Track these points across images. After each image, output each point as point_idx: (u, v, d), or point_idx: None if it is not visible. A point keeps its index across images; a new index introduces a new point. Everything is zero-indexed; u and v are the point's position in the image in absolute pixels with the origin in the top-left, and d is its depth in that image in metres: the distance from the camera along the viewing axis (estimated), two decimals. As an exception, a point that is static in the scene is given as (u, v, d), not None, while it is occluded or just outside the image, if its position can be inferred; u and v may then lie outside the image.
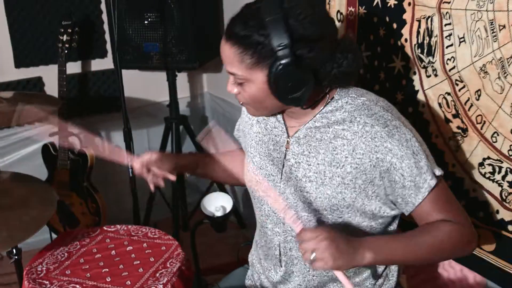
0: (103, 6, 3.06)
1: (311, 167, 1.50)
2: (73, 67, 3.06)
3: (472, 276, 1.89)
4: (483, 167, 1.69)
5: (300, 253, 1.39)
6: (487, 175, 1.69)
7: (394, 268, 1.64)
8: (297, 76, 1.37)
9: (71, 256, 1.95)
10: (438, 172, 1.45)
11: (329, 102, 1.50)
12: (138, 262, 1.91)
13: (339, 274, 1.38)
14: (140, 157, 1.72)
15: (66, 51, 2.79)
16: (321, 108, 1.51)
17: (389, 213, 1.51)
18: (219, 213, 2.28)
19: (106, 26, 3.08)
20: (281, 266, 1.64)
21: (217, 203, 2.30)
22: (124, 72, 3.16)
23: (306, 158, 1.51)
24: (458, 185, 1.77)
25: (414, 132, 1.46)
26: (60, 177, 2.91)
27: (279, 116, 1.60)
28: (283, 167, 1.56)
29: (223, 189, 3.07)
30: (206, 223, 2.39)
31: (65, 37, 2.79)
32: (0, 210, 1.78)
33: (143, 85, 3.24)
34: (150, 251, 1.96)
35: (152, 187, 1.76)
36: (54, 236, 2.88)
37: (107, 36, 3.10)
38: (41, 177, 2.92)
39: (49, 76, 3.02)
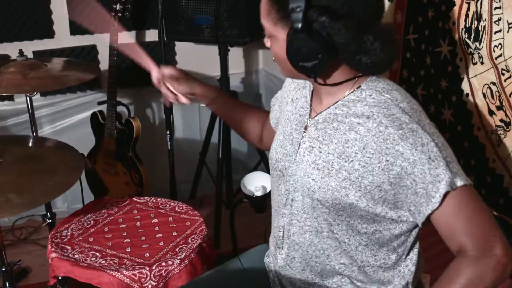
0: (159, -23, 3.04)
1: (321, 154, 1.42)
2: (127, 37, 3.06)
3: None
4: (525, 165, 1.56)
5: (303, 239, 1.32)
6: (529, 174, 1.56)
7: (408, 273, 1.53)
8: (308, 45, 1.30)
9: (97, 224, 1.97)
10: (460, 182, 1.30)
11: (355, 90, 1.42)
12: (161, 235, 1.90)
13: None
14: (161, 69, 1.69)
15: (118, 20, 2.79)
16: (346, 93, 1.42)
17: (396, 218, 1.40)
18: (258, 193, 2.23)
19: (162, -3, 3.07)
20: (282, 249, 1.58)
21: (258, 183, 2.25)
22: (178, 44, 3.20)
23: (319, 144, 1.43)
24: (497, 182, 1.65)
25: (436, 137, 1.33)
26: (107, 145, 2.95)
27: (308, 96, 1.53)
28: (298, 148, 1.49)
29: (267, 170, 3.01)
30: (246, 202, 2.37)
31: (118, 6, 2.80)
32: (29, 173, 1.80)
33: (197, 58, 3.22)
34: (174, 225, 1.95)
35: (163, 100, 1.78)
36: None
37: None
38: (89, 145, 3.00)
39: (103, 44, 3.04)
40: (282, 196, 1.55)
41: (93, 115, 2.99)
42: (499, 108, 1.61)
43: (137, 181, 2.95)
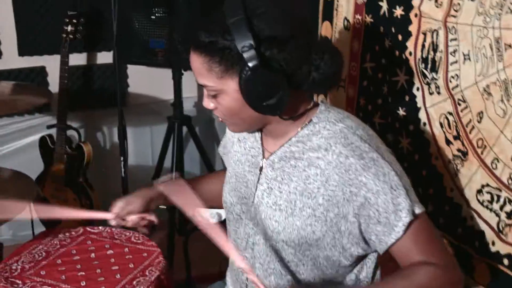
0: (112, -1, 2.99)
1: (282, 194, 1.39)
2: (78, 59, 3.00)
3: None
4: (481, 194, 1.59)
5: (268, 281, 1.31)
6: (485, 203, 1.58)
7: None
8: (269, 80, 1.26)
9: (49, 256, 1.89)
10: (418, 209, 1.32)
11: (307, 125, 1.40)
12: (117, 267, 1.83)
13: None
14: (109, 211, 1.64)
15: (69, 42, 2.73)
16: (298, 130, 1.41)
17: (360, 253, 1.40)
18: (214, 220, 2.21)
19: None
20: None
21: (212, 210, 2.22)
22: (131, 67, 3.15)
23: (278, 184, 1.41)
24: (456, 212, 1.67)
25: (394, 165, 1.34)
26: (56, 171, 2.85)
27: (258, 136, 1.50)
28: (256, 190, 1.46)
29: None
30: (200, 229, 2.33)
31: (69, 28, 2.73)
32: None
33: (149, 81, 3.17)
34: (130, 256, 1.89)
35: (145, 230, 1.71)
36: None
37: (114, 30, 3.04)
38: (37, 170, 2.90)
39: (52, 66, 2.96)
40: (242, 239, 1.52)
41: (42, 139, 2.89)
42: (456, 138, 1.64)
43: (88, 208, 2.87)
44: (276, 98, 1.28)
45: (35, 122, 3.01)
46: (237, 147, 1.57)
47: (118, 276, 1.79)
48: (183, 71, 2.88)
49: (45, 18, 2.90)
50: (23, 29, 2.90)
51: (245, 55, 1.23)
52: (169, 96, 3.10)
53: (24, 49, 2.93)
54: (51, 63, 2.97)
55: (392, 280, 1.32)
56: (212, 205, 1.82)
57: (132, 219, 1.65)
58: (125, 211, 1.64)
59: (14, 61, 2.93)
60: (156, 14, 2.70)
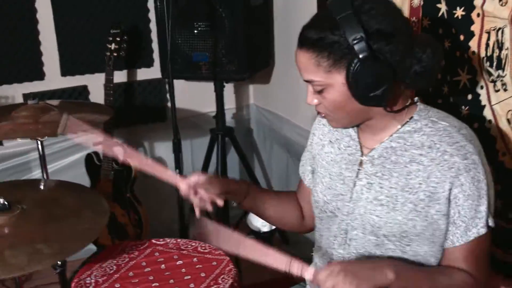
0: (151, 15, 3.04)
1: (383, 190, 1.43)
2: (119, 76, 3.04)
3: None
4: (555, 190, 1.60)
5: None
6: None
7: None
8: (377, 71, 1.31)
9: (120, 269, 1.91)
10: (491, 222, 1.39)
11: (408, 122, 1.44)
12: (189, 277, 1.85)
13: None
14: (187, 178, 1.56)
15: (113, 60, 2.77)
16: (399, 127, 1.44)
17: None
18: (265, 228, 2.23)
19: (153, 35, 3.06)
20: None
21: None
22: (170, 81, 3.18)
23: (379, 180, 1.44)
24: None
25: (488, 174, 1.40)
26: (103, 187, 2.88)
27: (354, 134, 1.54)
28: (354, 186, 1.49)
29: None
30: (251, 238, 2.34)
31: (113, 46, 2.78)
32: (52, 220, 1.74)
33: (189, 95, 3.21)
34: (200, 266, 1.91)
35: (197, 212, 1.57)
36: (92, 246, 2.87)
37: (153, 45, 3.09)
38: (84, 187, 2.92)
39: (94, 85, 3.02)
40: (337, 236, 1.54)
41: (88, 157, 2.93)
42: (526, 133, 1.65)
43: (136, 223, 2.89)
44: (382, 89, 1.32)
45: (81, 139, 3.03)
46: (328, 149, 1.60)
47: (192, 286, 1.81)
48: (224, 83, 2.92)
49: (86, 38, 2.96)
50: (65, 50, 2.95)
51: (356, 47, 1.29)
52: (207, 108, 3.15)
53: (66, 69, 2.98)
54: (93, 82, 3.03)
55: (437, 271, 1.40)
56: (279, 225, 1.84)
57: (202, 195, 1.55)
58: (202, 186, 1.55)
59: (57, 81, 2.98)
60: (199, 28, 2.74)
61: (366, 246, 1.47)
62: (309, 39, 1.35)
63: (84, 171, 2.94)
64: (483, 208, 1.36)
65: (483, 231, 1.37)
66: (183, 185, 1.55)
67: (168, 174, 1.59)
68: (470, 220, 1.36)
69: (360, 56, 1.29)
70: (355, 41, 1.29)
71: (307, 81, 1.40)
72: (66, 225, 1.72)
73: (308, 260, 1.86)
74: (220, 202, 1.56)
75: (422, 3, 1.91)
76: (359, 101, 1.35)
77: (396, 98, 1.42)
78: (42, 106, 2.18)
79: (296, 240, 3.11)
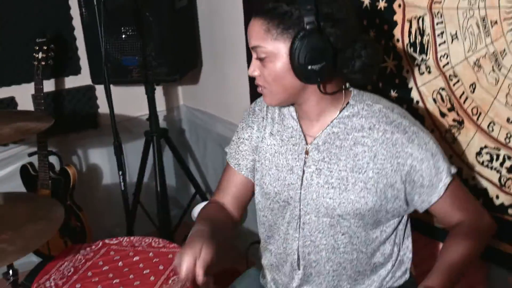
0: (74, 23, 3.04)
1: (333, 173, 1.54)
2: (47, 85, 3.01)
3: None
4: (480, 155, 1.78)
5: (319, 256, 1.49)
6: (485, 163, 1.78)
7: (407, 260, 1.70)
8: (319, 46, 1.41)
9: (78, 271, 1.93)
10: (453, 170, 1.55)
11: (345, 107, 1.56)
12: (148, 271, 1.91)
13: None
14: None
15: (42, 69, 2.76)
16: (337, 113, 1.56)
17: (400, 214, 1.59)
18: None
19: (78, 43, 3.07)
20: (299, 269, 1.67)
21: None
22: (98, 87, 3.19)
23: (327, 164, 1.55)
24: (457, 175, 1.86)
25: (430, 134, 1.55)
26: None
27: (296, 125, 1.63)
28: (303, 174, 1.60)
29: (206, 199, 3.08)
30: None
31: (40, 55, 2.76)
32: (9, 228, 1.75)
33: (119, 100, 3.21)
34: (157, 259, 1.97)
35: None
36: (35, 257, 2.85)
37: (79, 53, 3.09)
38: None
39: (21, 95, 2.99)
40: (291, 222, 1.64)
41: (23, 168, 2.89)
42: (451, 109, 1.83)
43: (79, 229, 2.88)
44: (320, 65, 1.43)
45: (13, 151, 2.99)
46: (270, 141, 1.67)
47: (152, 278, 1.87)
48: (155, 86, 2.97)
49: (10, 49, 2.91)
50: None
51: (306, 18, 1.39)
52: (139, 112, 3.18)
53: (-9, 81, 2.92)
54: (20, 93, 2.99)
55: (446, 263, 1.50)
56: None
57: (202, 278, 1.42)
58: (199, 265, 1.42)
59: (-19, 93, 2.92)
60: (127, 33, 2.78)
61: (319, 228, 1.58)
62: (264, 8, 1.45)
63: (19, 182, 2.90)
64: (441, 163, 1.51)
65: (448, 180, 1.51)
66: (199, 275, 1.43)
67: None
68: (434, 178, 1.50)
69: (307, 27, 1.39)
70: (305, 12, 1.39)
71: (253, 47, 1.48)
72: (24, 229, 1.74)
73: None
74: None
75: (346, -3, 2.06)
76: (296, 73, 1.44)
77: (331, 81, 1.53)
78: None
79: (237, 232, 3.21)
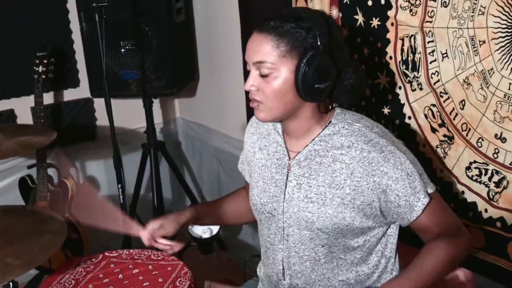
0: (74, 36, 3.09)
1: (312, 188, 1.59)
2: (46, 98, 3.05)
3: (462, 273, 2.03)
4: (470, 170, 1.84)
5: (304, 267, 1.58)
6: (474, 178, 1.83)
7: (396, 271, 1.74)
8: (327, 66, 1.49)
9: (79, 283, 1.96)
10: (430, 189, 1.58)
11: (327, 126, 1.62)
12: (147, 283, 1.94)
13: None
14: (145, 229, 1.81)
15: (42, 82, 2.80)
16: (320, 131, 1.62)
17: (383, 227, 1.64)
18: (206, 235, 2.35)
19: (77, 56, 3.11)
20: (285, 280, 1.72)
21: (204, 226, 2.37)
22: (96, 100, 3.24)
23: (307, 179, 1.61)
24: (447, 189, 1.91)
25: (408, 154, 1.58)
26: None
27: (280, 140, 1.70)
28: (285, 187, 1.65)
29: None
30: (194, 245, 2.45)
31: (41, 68, 2.80)
32: (13, 242, 1.79)
33: (117, 112, 3.26)
34: (156, 272, 2.00)
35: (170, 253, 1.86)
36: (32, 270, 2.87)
37: (79, 66, 3.14)
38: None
39: (21, 108, 3.03)
40: (276, 234, 1.70)
41: (22, 180, 2.93)
42: (441, 125, 1.89)
43: (77, 241, 2.92)
44: (325, 84, 1.50)
45: (12, 163, 3.03)
46: (259, 155, 1.76)
47: (152, 290, 1.90)
48: (153, 99, 3.02)
49: (10, 62, 2.96)
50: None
51: (320, 38, 1.47)
52: (137, 124, 3.23)
53: (-11, 95, 2.97)
54: (19, 105, 3.03)
55: (420, 262, 1.55)
56: (240, 221, 2.00)
57: (162, 242, 1.82)
58: (159, 233, 1.81)
59: (-18, 106, 2.96)
60: (126, 47, 2.83)
61: (302, 240, 1.63)
62: (273, 25, 1.49)
63: (17, 194, 2.94)
64: (417, 183, 1.54)
65: (426, 200, 1.54)
66: (144, 236, 1.81)
67: (129, 226, 1.84)
68: (411, 197, 1.53)
69: (321, 48, 1.47)
70: (320, 33, 1.47)
71: (257, 63, 1.52)
72: (29, 242, 1.77)
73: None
74: (178, 247, 1.84)
75: (340, 15, 2.12)
76: (302, 90, 1.50)
77: (324, 101, 1.60)
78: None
79: (233, 245, 3.26)
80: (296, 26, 1.48)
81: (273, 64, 1.50)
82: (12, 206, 2.26)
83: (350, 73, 1.55)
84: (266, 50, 1.50)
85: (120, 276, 1.99)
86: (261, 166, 1.74)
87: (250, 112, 2.66)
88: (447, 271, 1.63)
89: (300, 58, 1.48)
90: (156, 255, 2.11)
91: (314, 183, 1.59)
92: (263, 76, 1.52)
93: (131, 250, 2.14)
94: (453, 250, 1.57)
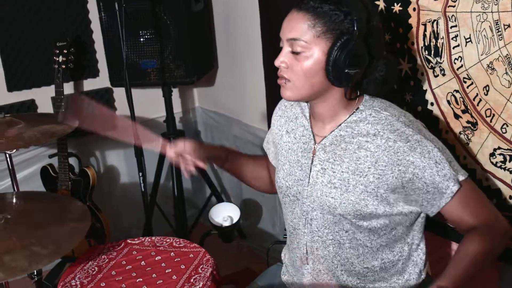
0: (93, 26, 3.10)
1: (335, 174, 1.59)
2: (66, 88, 3.06)
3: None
4: (494, 157, 1.82)
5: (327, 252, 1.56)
6: (499, 164, 1.82)
7: (421, 262, 1.73)
8: (360, 52, 1.48)
9: (102, 270, 1.99)
10: (462, 177, 1.56)
11: (354, 112, 1.61)
12: (170, 270, 1.96)
13: None
14: (174, 146, 1.75)
15: (62, 72, 2.81)
16: (347, 116, 1.61)
17: (408, 213, 1.61)
18: (227, 223, 2.36)
19: (96, 46, 3.13)
20: (308, 264, 1.72)
21: (224, 214, 2.38)
22: (115, 89, 3.25)
23: (331, 165, 1.60)
24: (471, 176, 1.88)
25: (436, 142, 1.56)
26: (62, 197, 2.92)
27: (307, 125, 1.70)
28: (310, 171, 1.65)
29: (221, 201, 3.13)
30: (214, 233, 2.47)
31: (61, 58, 2.82)
32: (38, 227, 1.81)
33: (136, 101, 3.27)
34: (179, 259, 2.02)
35: (186, 174, 1.78)
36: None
37: (98, 56, 3.15)
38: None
39: (41, 98, 3.05)
40: (300, 217, 1.70)
41: (43, 169, 2.95)
42: (464, 111, 1.87)
43: (98, 230, 2.94)
44: (355, 70, 1.49)
45: (34, 152, 3.06)
46: (286, 138, 1.76)
47: (174, 277, 1.92)
48: (172, 88, 3.03)
49: (30, 52, 2.98)
50: (10, 66, 2.96)
51: (357, 24, 1.46)
52: (156, 114, 3.24)
53: (12, 85, 2.98)
54: (40, 95, 3.05)
55: (459, 263, 1.52)
56: (253, 185, 2.01)
57: (187, 159, 1.74)
58: (188, 153, 1.74)
59: (4, 96, 2.98)
60: (145, 36, 2.83)
61: (326, 224, 1.63)
62: (312, 5, 1.49)
63: (40, 183, 2.96)
64: (446, 170, 1.52)
65: (456, 187, 1.53)
66: (170, 152, 1.75)
67: (156, 142, 1.79)
68: (440, 184, 1.52)
69: (357, 33, 1.46)
70: (359, 19, 1.46)
71: (291, 39, 1.52)
72: (53, 229, 1.80)
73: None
74: (203, 166, 1.76)
75: (362, 1, 2.10)
76: (331, 73, 1.50)
77: (352, 88, 1.59)
78: (8, 120, 2.22)
79: (253, 234, 3.26)
80: (335, 9, 1.48)
81: (306, 43, 1.50)
82: (34, 192, 2.27)
83: (382, 65, 1.54)
84: (302, 28, 1.50)
85: (143, 263, 2.02)
86: (288, 149, 1.74)
87: (270, 101, 2.66)
88: (490, 261, 1.59)
89: (334, 41, 1.48)
90: (177, 242, 2.13)
91: (338, 168, 1.59)
92: (295, 53, 1.53)
93: (153, 238, 2.16)
94: (493, 241, 1.54)
